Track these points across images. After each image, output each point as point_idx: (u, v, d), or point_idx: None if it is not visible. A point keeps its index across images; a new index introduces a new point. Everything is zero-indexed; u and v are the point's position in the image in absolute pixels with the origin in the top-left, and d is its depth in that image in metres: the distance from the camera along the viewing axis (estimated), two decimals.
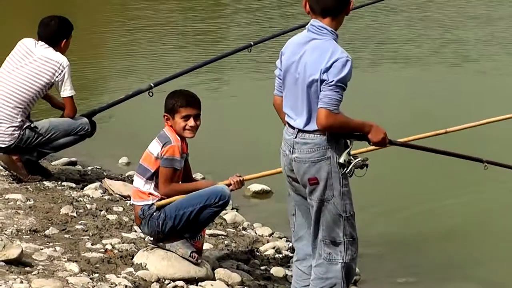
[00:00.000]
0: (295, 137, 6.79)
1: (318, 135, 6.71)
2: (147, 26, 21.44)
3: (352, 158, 6.77)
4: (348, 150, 6.80)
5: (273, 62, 7.01)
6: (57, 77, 10.00)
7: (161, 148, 7.80)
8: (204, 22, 22.44)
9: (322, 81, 6.66)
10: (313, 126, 6.74)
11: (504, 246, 9.70)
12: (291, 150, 6.82)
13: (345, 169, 6.78)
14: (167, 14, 23.24)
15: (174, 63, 16.24)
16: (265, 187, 10.62)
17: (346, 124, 6.75)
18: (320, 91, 6.65)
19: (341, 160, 6.72)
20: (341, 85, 6.58)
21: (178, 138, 7.84)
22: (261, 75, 14.12)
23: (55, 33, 10.15)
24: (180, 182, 8.12)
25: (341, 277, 6.88)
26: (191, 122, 7.85)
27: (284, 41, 7.24)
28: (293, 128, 6.83)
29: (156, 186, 7.90)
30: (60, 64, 10.00)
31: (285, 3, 22.70)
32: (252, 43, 11.38)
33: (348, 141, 6.84)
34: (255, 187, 10.70)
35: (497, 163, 8.72)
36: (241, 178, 8.15)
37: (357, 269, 8.51)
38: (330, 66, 6.60)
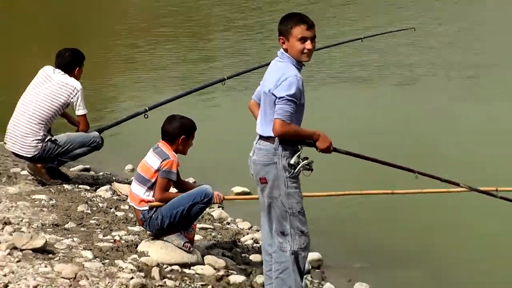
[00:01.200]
0: (256, 143, 7.01)
1: (269, 143, 6.88)
2: (147, 58, 20.90)
3: (301, 161, 6.86)
4: (298, 153, 6.89)
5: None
6: (72, 98, 10.25)
7: (161, 162, 8.06)
8: (195, 58, 21.59)
9: (274, 95, 6.76)
10: (266, 132, 6.90)
11: (458, 239, 9.69)
12: (253, 153, 7.03)
13: (294, 169, 6.86)
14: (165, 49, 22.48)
15: (167, 89, 15.98)
16: (246, 189, 10.66)
17: (298, 132, 6.83)
18: (275, 104, 6.75)
19: (292, 161, 6.84)
20: (292, 99, 6.68)
21: (175, 154, 8.14)
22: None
23: (69, 62, 10.40)
24: (174, 189, 8.37)
25: (291, 262, 6.99)
26: (189, 142, 8.28)
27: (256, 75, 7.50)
28: (258, 134, 7.02)
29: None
30: (75, 88, 10.25)
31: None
32: (226, 77, 11.28)
33: (299, 146, 6.91)
34: (237, 189, 10.77)
35: (426, 174, 8.61)
36: (221, 197, 8.40)
37: (320, 255, 8.92)
38: (281, 83, 6.73)
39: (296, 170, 6.91)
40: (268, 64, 7.21)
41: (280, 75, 6.84)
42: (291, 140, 6.91)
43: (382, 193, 9.56)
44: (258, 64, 11.84)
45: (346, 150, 7.42)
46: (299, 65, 6.94)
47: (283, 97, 6.75)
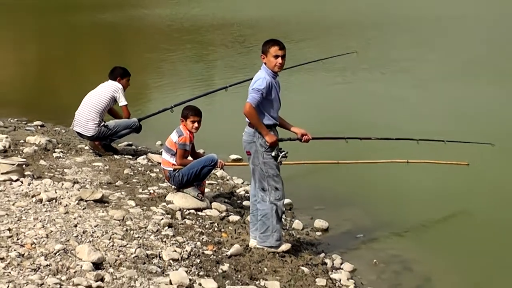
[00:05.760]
0: (246, 127, 6.99)
1: (251, 128, 6.90)
2: (170, 67, 20.59)
3: (279, 153, 6.91)
4: (277, 148, 6.90)
5: None
6: (115, 93, 10.38)
7: (178, 137, 8.16)
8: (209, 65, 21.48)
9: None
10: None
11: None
12: (243, 134, 7.02)
13: (276, 160, 6.89)
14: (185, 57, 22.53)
15: (188, 90, 15.74)
16: (239, 156, 10.56)
17: (258, 123, 6.79)
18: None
19: (273, 154, 6.89)
20: (259, 90, 6.70)
21: (188, 132, 8.21)
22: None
23: (115, 74, 10.52)
24: (190, 156, 8.38)
25: (270, 209, 7.00)
26: (195, 124, 8.22)
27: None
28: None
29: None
30: (117, 86, 10.39)
31: None
32: (227, 85, 10.99)
33: (278, 143, 6.95)
34: (233, 156, 10.70)
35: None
36: (223, 164, 8.49)
37: (291, 200, 8.88)
38: (254, 82, 6.78)
39: (278, 160, 6.95)
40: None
41: (255, 78, 6.87)
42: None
43: (329, 162, 9.62)
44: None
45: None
46: (274, 74, 6.90)
47: (253, 88, 6.76)
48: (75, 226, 6.82)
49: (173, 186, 8.45)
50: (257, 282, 6.45)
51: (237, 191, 9.41)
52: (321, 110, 13.83)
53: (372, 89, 15.82)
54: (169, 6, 35.95)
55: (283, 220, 7.89)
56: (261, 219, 7.08)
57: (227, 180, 9.95)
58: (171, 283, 5.82)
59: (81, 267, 5.83)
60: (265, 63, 6.89)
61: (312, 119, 12.15)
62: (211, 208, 8.29)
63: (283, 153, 6.93)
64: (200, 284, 6.02)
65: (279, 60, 6.82)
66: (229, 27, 27.55)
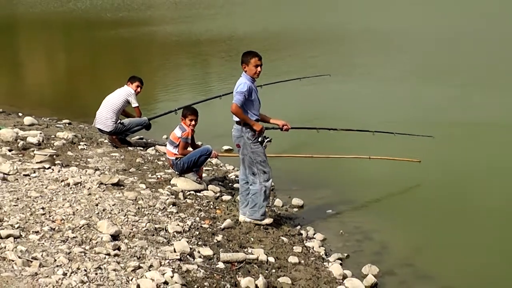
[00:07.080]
0: (234, 125, 6.96)
1: (239, 126, 6.89)
2: (173, 74, 20.51)
3: (264, 139, 6.91)
4: (262, 135, 6.90)
5: None
6: (129, 97, 10.27)
7: (181, 132, 8.14)
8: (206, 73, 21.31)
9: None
10: (236, 119, 6.87)
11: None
12: (233, 130, 7.00)
13: (262, 144, 6.89)
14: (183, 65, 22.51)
15: (189, 94, 15.57)
16: (230, 147, 10.31)
17: (244, 117, 6.74)
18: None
19: (259, 139, 6.89)
20: (242, 93, 6.67)
21: (188, 128, 8.20)
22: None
23: (128, 80, 10.38)
24: (190, 147, 8.34)
25: (260, 189, 6.99)
26: (193, 122, 8.21)
27: None
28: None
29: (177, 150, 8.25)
30: (130, 91, 10.26)
31: None
32: (221, 94, 10.97)
33: (263, 131, 6.93)
34: (225, 147, 10.51)
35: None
36: (216, 154, 8.51)
37: (272, 183, 8.47)
38: (237, 87, 6.73)
39: (263, 145, 6.92)
40: None
41: (238, 83, 6.82)
42: (247, 124, 6.85)
43: (304, 156, 9.49)
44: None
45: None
46: (252, 80, 6.87)
47: (237, 91, 6.74)
48: (96, 205, 6.81)
49: (176, 172, 8.41)
50: (245, 250, 6.45)
51: (229, 175, 9.35)
52: (297, 108, 13.66)
53: (337, 90, 15.68)
54: (175, 24, 35.80)
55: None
56: (251, 197, 7.05)
57: (221, 166, 9.90)
58: (175, 251, 5.82)
59: (102, 238, 5.85)
60: (245, 71, 6.83)
61: (291, 114, 11.96)
62: (207, 190, 8.24)
63: (267, 139, 6.91)
64: (199, 252, 6.02)
65: (259, 68, 6.81)
66: (225, 41, 27.36)
